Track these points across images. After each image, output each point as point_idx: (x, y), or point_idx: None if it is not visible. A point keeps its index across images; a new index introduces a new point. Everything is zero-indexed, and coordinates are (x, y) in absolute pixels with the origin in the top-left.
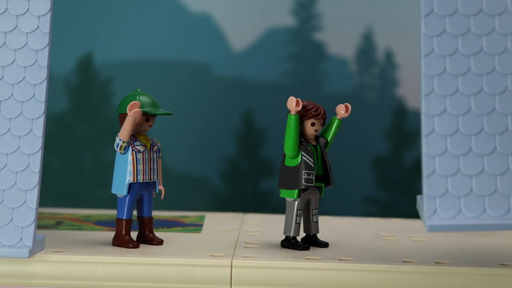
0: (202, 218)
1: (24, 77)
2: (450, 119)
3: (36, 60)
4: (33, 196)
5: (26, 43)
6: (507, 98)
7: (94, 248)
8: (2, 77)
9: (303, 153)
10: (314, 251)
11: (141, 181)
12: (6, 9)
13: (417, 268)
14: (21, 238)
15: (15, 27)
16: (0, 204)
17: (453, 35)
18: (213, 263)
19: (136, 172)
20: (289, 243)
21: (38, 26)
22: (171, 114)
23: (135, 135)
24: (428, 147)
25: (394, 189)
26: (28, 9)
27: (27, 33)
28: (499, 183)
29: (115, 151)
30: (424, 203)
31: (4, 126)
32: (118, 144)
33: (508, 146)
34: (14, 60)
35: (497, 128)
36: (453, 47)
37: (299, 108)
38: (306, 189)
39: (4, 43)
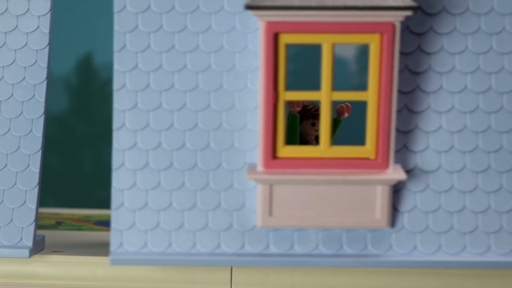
0: None
1: (24, 77)
2: (140, 153)
3: (36, 60)
4: (33, 196)
5: (26, 43)
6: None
7: (94, 249)
8: (2, 77)
9: None
10: None
11: None
12: (6, 9)
13: None
14: (21, 238)
15: (15, 27)
16: (0, 204)
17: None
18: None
19: None
20: None
21: (38, 26)
22: None
23: None
24: (116, 181)
25: None
26: (28, 9)
27: (27, 33)
28: (210, 219)
29: None
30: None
31: (4, 126)
32: None
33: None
34: (14, 60)
35: (211, 164)
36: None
37: (299, 108)
38: None
39: (4, 43)
